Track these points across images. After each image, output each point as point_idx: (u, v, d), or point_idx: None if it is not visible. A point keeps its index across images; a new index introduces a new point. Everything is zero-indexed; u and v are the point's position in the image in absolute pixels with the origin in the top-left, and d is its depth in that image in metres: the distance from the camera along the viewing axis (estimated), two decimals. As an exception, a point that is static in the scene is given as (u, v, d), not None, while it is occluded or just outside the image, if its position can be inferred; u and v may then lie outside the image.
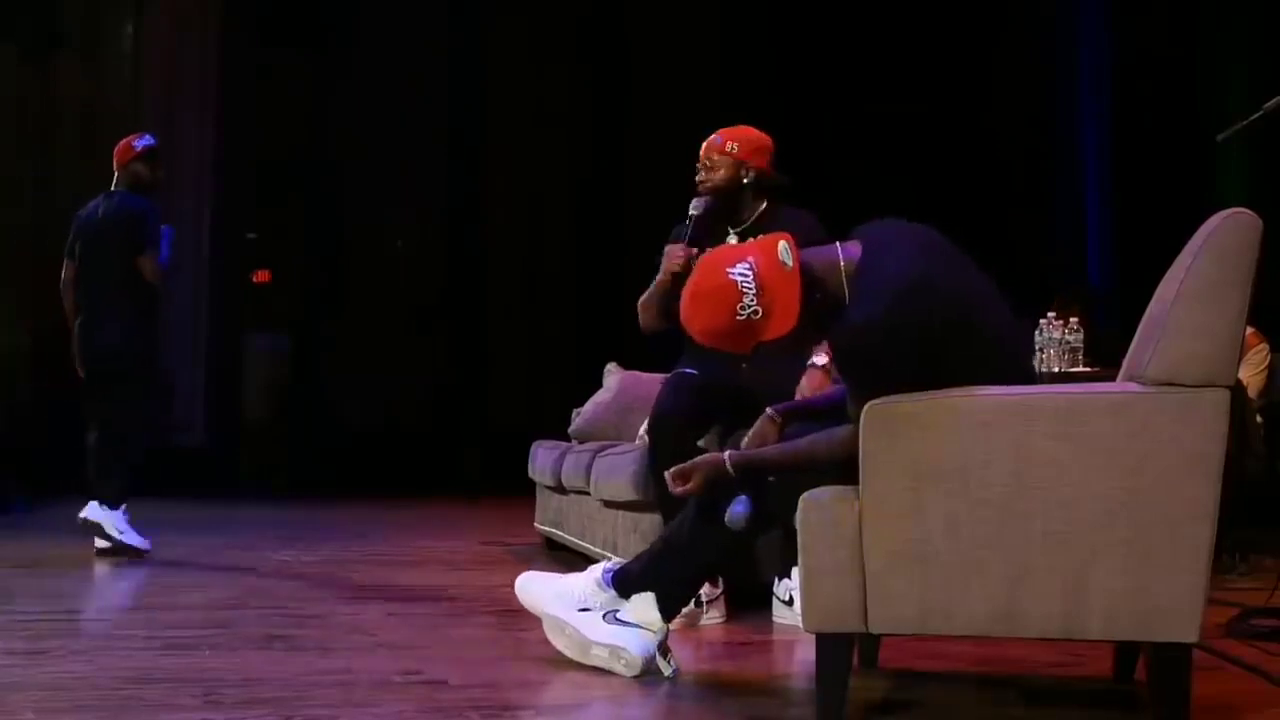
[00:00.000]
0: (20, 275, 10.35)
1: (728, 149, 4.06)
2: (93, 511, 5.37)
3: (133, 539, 5.41)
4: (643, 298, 4.16)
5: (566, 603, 3.04)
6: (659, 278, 4.11)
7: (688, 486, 2.84)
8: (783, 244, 2.57)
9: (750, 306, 2.53)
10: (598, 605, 2.98)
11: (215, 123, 11.06)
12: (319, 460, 11.00)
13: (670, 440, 3.87)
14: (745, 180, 4.05)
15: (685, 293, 2.64)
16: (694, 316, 2.61)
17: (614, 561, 3.07)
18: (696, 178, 4.11)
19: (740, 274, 2.54)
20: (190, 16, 11.06)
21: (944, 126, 10.48)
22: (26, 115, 10.49)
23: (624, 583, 2.97)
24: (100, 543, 5.37)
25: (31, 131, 10.52)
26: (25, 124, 10.49)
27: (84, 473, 5.53)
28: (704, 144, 4.13)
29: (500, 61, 11.82)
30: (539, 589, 3.12)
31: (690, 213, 4.08)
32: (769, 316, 2.53)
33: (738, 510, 2.77)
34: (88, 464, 5.54)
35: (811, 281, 2.54)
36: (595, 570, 3.03)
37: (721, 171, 4.06)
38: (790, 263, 2.54)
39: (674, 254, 4.05)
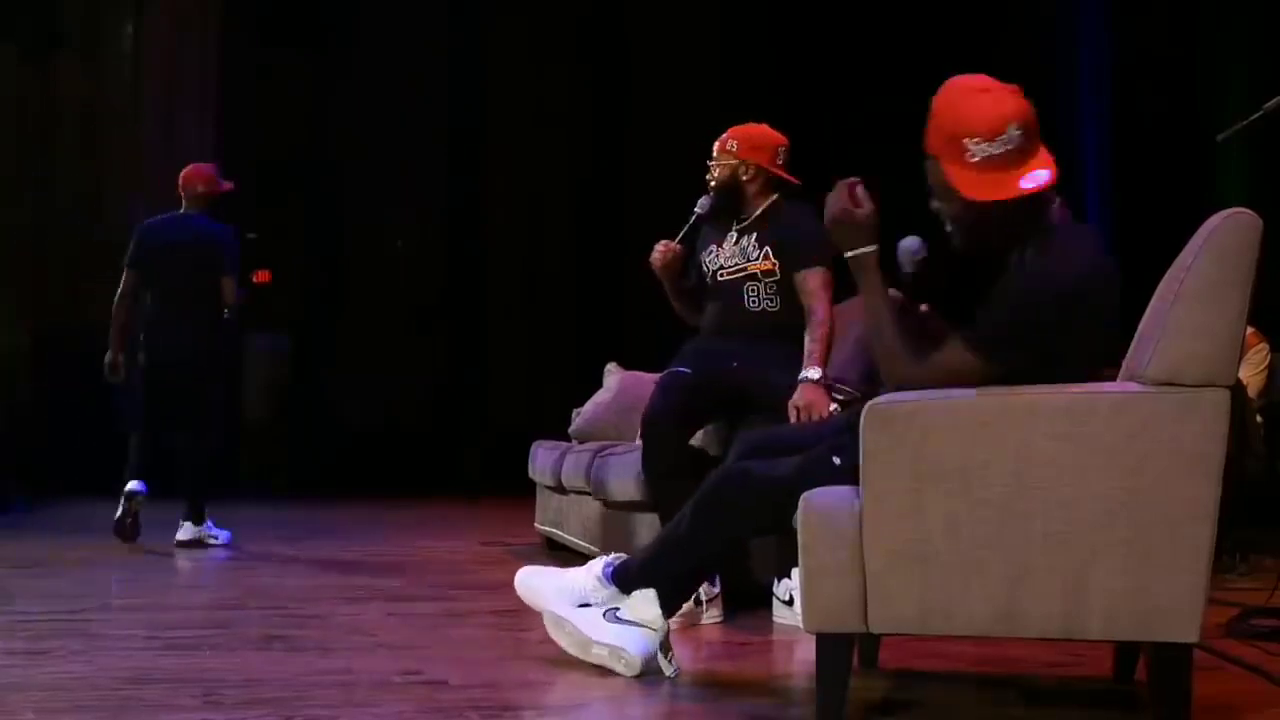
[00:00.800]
0: (20, 275, 10.36)
1: (728, 147, 4.09)
2: (188, 532, 5.85)
3: (222, 537, 5.99)
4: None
5: (567, 598, 3.02)
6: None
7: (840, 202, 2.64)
8: (1044, 173, 2.48)
9: (980, 150, 2.47)
10: (598, 601, 2.97)
11: (215, 123, 11.05)
12: (319, 460, 11.00)
13: (659, 441, 3.88)
14: (744, 178, 4.07)
15: (972, 79, 2.53)
16: (947, 92, 2.54)
17: (614, 556, 3.06)
18: (707, 176, 4.16)
19: (1010, 131, 2.45)
20: (190, 16, 11.06)
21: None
22: (26, 115, 10.50)
23: (624, 578, 2.96)
24: (183, 536, 5.85)
25: (31, 131, 10.53)
26: (25, 124, 10.49)
27: (127, 470, 5.82)
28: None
29: (500, 61, 11.82)
30: (539, 584, 3.12)
31: (695, 210, 4.11)
32: (976, 176, 2.47)
33: (910, 244, 2.70)
34: (133, 461, 5.83)
35: (1022, 204, 2.50)
36: (595, 565, 3.02)
37: (722, 170, 4.09)
38: (1030, 186, 2.47)
39: (656, 248, 4.13)
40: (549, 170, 11.80)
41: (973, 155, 2.47)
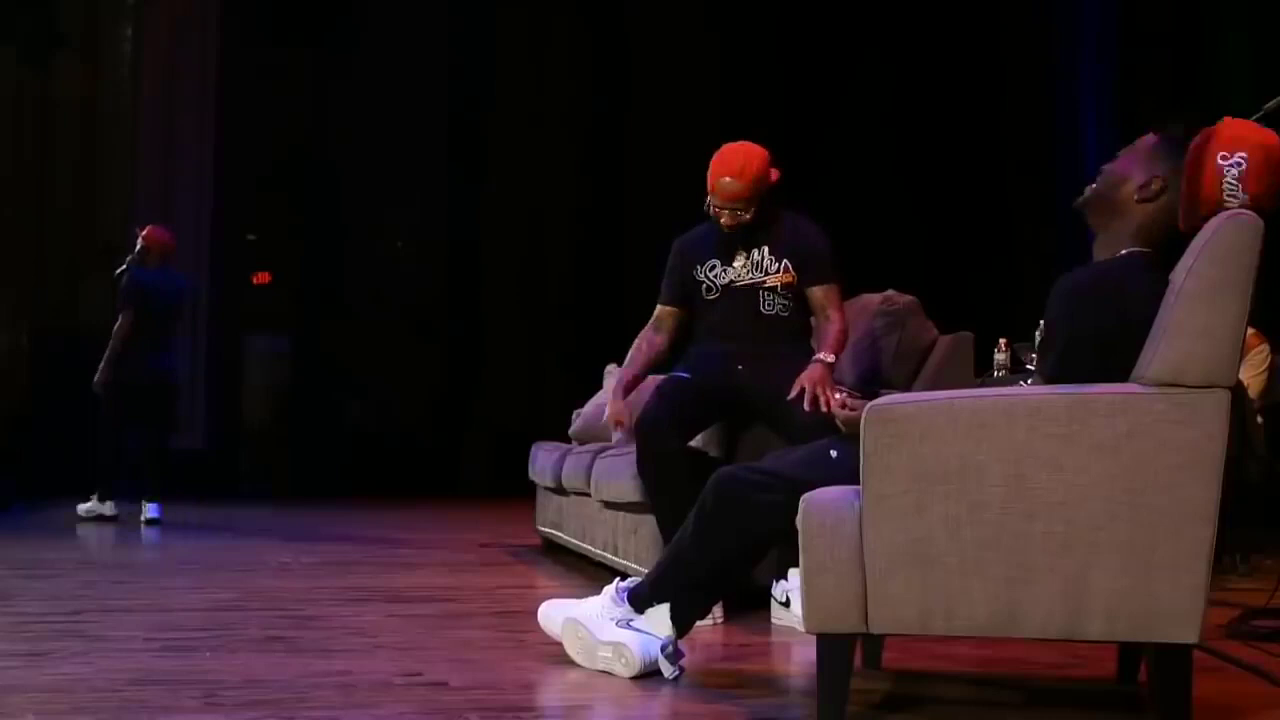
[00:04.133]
0: (20, 275, 10.36)
1: (764, 173, 3.99)
2: (157, 510, 7.34)
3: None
4: (627, 362, 4.22)
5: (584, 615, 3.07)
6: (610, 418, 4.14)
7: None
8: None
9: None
10: (612, 618, 2.99)
11: (215, 123, 11.06)
12: (319, 462, 11.00)
13: (652, 443, 3.87)
14: (766, 198, 4.01)
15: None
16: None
17: (628, 580, 3.06)
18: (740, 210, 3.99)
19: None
20: (190, 16, 11.07)
21: (944, 127, 10.48)
22: (26, 115, 10.50)
23: (637, 598, 2.99)
24: (155, 515, 7.34)
25: (31, 131, 10.53)
26: (25, 124, 10.49)
27: (133, 471, 7.46)
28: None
29: (501, 62, 11.82)
30: (558, 613, 3.15)
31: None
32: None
33: None
34: (132, 464, 7.48)
35: (1159, 210, 2.53)
36: (609, 589, 3.04)
37: (762, 203, 4.01)
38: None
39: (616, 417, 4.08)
40: (549, 171, 11.80)
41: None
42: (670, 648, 2.93)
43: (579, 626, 3.03)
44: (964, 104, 10.50)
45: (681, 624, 2.95)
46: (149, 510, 7.34)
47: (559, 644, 3.11)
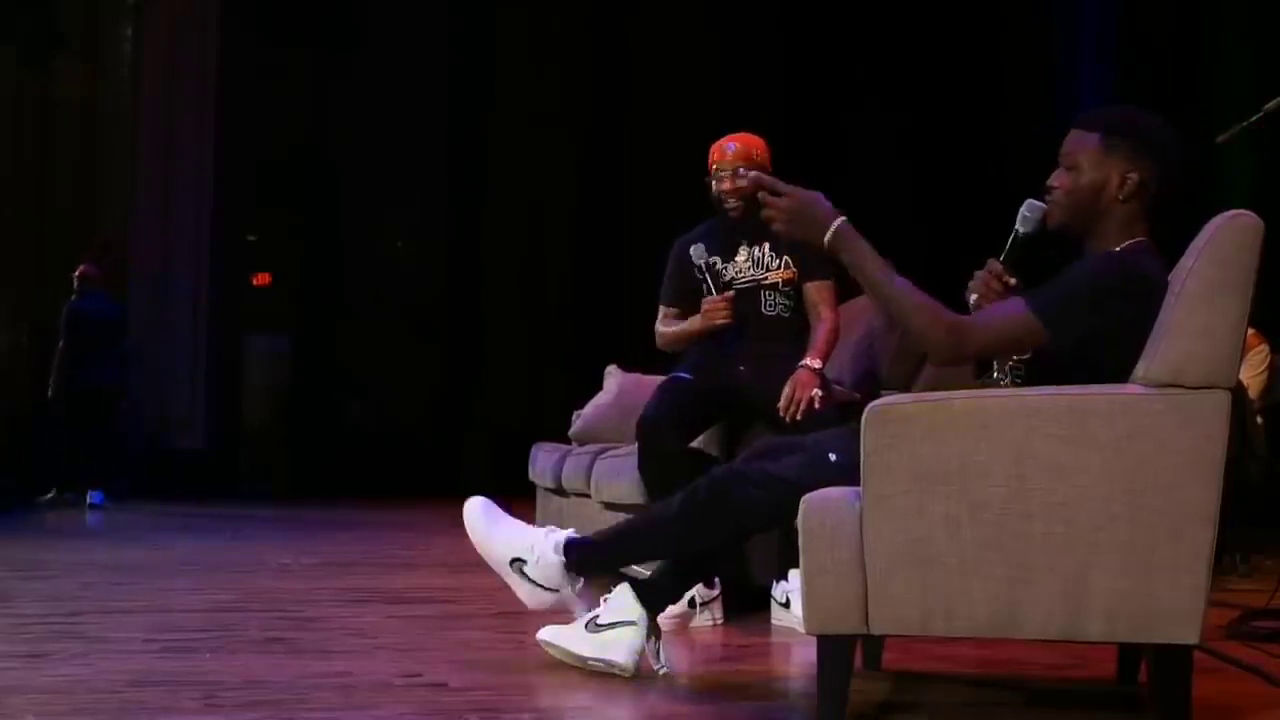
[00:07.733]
0: (21, 275, 10.37)
1: (754, 156, 4.00)
2: (99, 498, 8.60)
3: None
4: (674, 331, 4.11)
5: (510, 551, 3.07)
6: (695, 325, 4.00)
7: (775, 204, 2.56)
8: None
9: None
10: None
11: (215, 123, 11.06)
12: (319, 462, 11.00)
13: (654, 442, 3.87)
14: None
15: None
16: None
17: (570, 535, 3.02)
18: (723, 185, 4.00)
19: None
20: (190, 16, 11.06)
21: (944, 126, 10.47)
22: (26, 115, 10.50)
23: (587, 561, 2.94)
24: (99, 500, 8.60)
25: (31, 131, 10.53)
26: (25, 124, 10.50)
27: (83, 468, 8.65)
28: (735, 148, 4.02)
29: (501, 62, 11.82)
30: (489, 531, 3.20)
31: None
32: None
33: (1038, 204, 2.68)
34: (77, 461, 8.66)
35: (1131, 208, 2.55)
36: (559, 534, 2.98)
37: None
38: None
39: (714, 307, 3.94)
40: (549, 171, 11.79)
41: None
42: (646, 626, 2.90)
43: (554, 647, 2.99)
44: (964, 104, 10.49)
45: (654, 605, 2.94)
46: (91, 497, 8.57)
47: (554, 655, 3.07)
